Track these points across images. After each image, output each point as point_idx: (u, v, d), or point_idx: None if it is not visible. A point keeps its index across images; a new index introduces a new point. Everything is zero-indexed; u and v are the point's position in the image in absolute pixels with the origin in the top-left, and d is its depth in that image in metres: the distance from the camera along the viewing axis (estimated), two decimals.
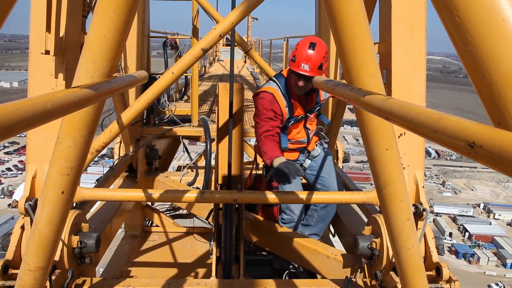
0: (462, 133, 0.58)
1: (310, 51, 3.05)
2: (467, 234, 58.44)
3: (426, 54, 2.83)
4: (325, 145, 3.72)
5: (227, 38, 3.51)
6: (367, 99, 0.96)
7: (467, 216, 63.01)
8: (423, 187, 2.81)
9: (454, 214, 63.42)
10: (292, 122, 3.37)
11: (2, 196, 58.20)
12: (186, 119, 5.02)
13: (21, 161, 65.62)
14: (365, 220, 3.27)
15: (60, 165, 1.64)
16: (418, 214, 2.68)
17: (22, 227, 2.63)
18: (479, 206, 67.68)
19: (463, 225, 60.13)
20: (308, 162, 3.59)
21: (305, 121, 3.46)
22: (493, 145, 0.52)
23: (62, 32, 2.65)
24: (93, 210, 3.44)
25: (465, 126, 0.58)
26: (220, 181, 3.20)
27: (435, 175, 76.80)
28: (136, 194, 2.80)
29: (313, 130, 3.57)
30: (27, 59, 2.79)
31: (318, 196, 2.87)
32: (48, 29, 2.57)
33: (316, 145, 3.67)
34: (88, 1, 3.02)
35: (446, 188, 72.79)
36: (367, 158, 1.65)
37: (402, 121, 0.77)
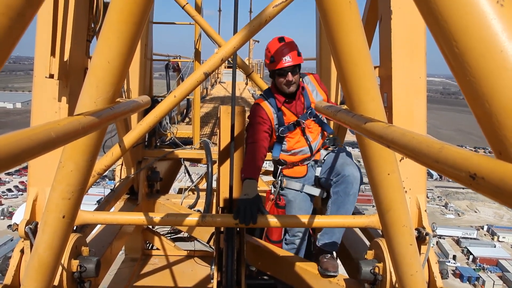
0: (464, 164, 0.58)
1: (283, 45, 3.05)
2: (471, 256, 57.65)
3: (426, 77, 2.85)
4: (335, 148, 3.44)
5: (229, 61, 3.58)
6: (368, 126, 0.96)
7: (470, 238, 62.31)
8: (425, 210, 2.79)
9: (457, 237, 62.72)
10: (285, 130, 3.22)
11: (2, 217, 57.87)
12: (187, 141, 5.04)
13: (22, 182, 65.48)
14: (368, 244, 3.24)
15: (61, 189, 1.64)
16: (421, 239, 2.65)
17: (22, 251, 2.61)
18: (482, 228, 66.99)
19: (467, 248, 59.38)
20: (319, 170, 3.37)
21: (303, 129, 3.26)
22: (494, 177, 0.52)
23: (66, 56, 2.69)
24: (93, 232, 3.42)
25: (467, 157, 0.59)
26: (221, 204, 3.18)
27: (438, 197, 76.32)
28: (137, 217, 2.78)
29: (316, 140, 3.32)
30: (31, 80, 2.83)
31: (320, 220, 2.85)
32: (52, 53, 2.61)
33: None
34: (92, 26, 3.07)
35: (449, 210, 72.21)
36: (369, 183, 1.65)
37: (403, 149, 0.78)
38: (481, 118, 0.69)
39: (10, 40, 0.67)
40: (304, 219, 2.85)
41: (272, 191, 3.41)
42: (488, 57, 0.66)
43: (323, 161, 3.37)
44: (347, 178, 3.12)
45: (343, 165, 3.18)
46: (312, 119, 3.27)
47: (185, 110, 7.63)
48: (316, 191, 3.36)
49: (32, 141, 0.66)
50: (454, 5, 0.67)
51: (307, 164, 3.36)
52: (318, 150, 3.38)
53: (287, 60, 3.01)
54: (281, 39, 3.06)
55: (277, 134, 3.25)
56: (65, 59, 2.68)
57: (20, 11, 0.68)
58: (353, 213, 3.78)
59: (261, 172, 3.66)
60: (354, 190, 3.14)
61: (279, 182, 3.38)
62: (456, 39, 0.69)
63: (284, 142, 3.28)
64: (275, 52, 3.05)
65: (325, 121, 3.32)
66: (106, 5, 3.04)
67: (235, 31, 2.80)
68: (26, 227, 2.55)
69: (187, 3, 4.58)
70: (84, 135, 0.92)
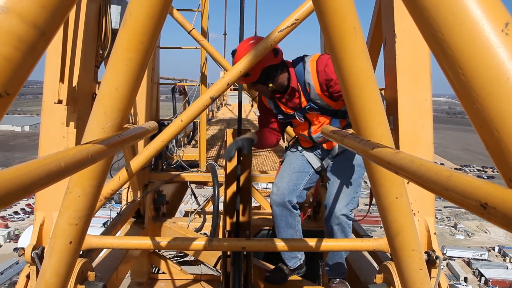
0: (474, 193, 0.58)
1: (232, 59, 2.88)
2: (483, 278, 56.39)
3: (432, 97, 2.86)
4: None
5: (235, 84, 3.62)
6: (375, 152, 0.96)
7: (482, 259, 61.09)
8: (435, 233, 2.75)
9: (468, 258, 61.51)
10: (283, 118, 3.14)
11: (8, 240, 57.74)
12: (194, 164, 5.04)
13: (28, 205, 65.55)
14: (376, 267, 3.19)
15: (69, 215, 1.64)
16: (431, 262, 2.61)
17: (28, 276, 2.59)
18: (493, 249, 65.72)
19: (478, 269, 58.15)
20: (327, 162, 3.21)
21: (308, 121, 3.10)
22: (506, 207, 0.51)
23: (75, 82, 2.73)
24: (99, 256, 3.40)
25: (477, 186, 0.58)
26: (228, 228, 3.16)
27: (446, 217, 75.28)
28: (144, 242, 2.77)
29: (318, 131, 3.08)
30: (39, 104, 2.88)
31: (327, 244, 2.82)
32: (61, 79, 2.65)
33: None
34: (100, 52, 3.13)
35: (458, 230, 71.10)
36: (377, 206, 1.64)
37: (412, 176, 0.77)
38: (490, 146, 0.69)
39: (23, 72, 0.68)
40: (311, 242, 2.82)
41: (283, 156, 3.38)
42: (495, 84, 0.66)
43: (334, 156, 3.17)
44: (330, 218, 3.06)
45: (333, 186, 3.06)
46: (315, 112, 3.02)
47: (191, 133, 7.67)
48: (315, 163, 3.21)
49: (42, 172, 0.66)
50: (460, 34, 0.68)
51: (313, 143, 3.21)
52: (325, 141, 3.15)
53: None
54: (232, 53, 2.86)
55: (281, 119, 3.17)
56: (73, 85, 2.72)
57: (33, 44, 0.69)
58: (361, 236, 3.75)
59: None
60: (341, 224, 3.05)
61: (290, 141, 3.43)
62: (462, 67, 0.69)
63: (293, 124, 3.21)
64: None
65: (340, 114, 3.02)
66: (114, 32, 3.10)
67: None
68: (33, 252, 2.54)
69: (193, 28, 4.66)
70: (93, 163, 0.93)
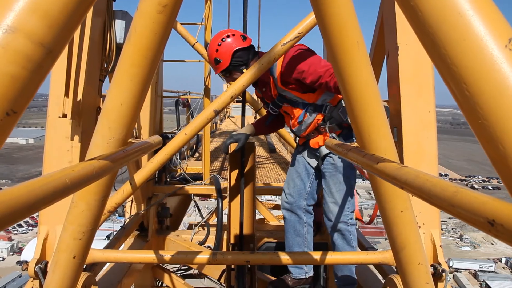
0: (481, 209, 0.57)
1: (208, 51, 3.00)
2: None
3: (435, 108, 2.85)
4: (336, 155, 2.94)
5: (238, 96, 3.64)
6: (380, 167, 0.96)
7: (489, 271, 60.31)
8: (440, 246, 2.73)
9: (474, 270, 60.73)
10: (266, 107, 3.23)
11: (11, 253, 57.58)
12: (197, 177, 5.04)
13: (32, 217, 65.30)
14: (382, 280, 3.16)
15: (73, 230, 1.64)
16: (437, 275, 2.58)
17: None
18: (500, 261, 64.89)
19: (485, 282, 57.34)
20: (314, 163, 3.12)
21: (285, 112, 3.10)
22: None
23: (79, 96, 2.75)
24: (103, 270, 3.39)
25: (483, 202, 0.58)
26: (232, 241, 3.15)
27: (452, 229, 74.60)
28: (147, 255, 2.76)
29: (295, 125, 3.04)
30: (44, 117, 2.90)
31: (332, 257, 2.80)
32: (66, 93, 2.67)
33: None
34: (105, 66, 3.15)
35: (464, 242, 70.36)
36: (382, 220, 1.62)
37: (417, 191, 0.77)
38: (496, 161, 0.68)
39: (29, 91, 0.69)
40: (315, 255, 2.80)
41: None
42: (500, 100, 0.66)
43: (322, 158, 3.04)
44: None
45: (327, 197, 3.01)
46: (288, 105, 3.00)
47: (195, 145, 7.68)
48: (312, 161, 3.15)
49: (48, 190, 0.66)
50: (464, 50, 0.68)
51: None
52: (308, 135, 3.07)
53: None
54: (206, 46, 3.07)
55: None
56: (78, 99, 2.74)
57: (39, 62, 0.70)
58: (366, 249, 3.72)
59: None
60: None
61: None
62: (466, 83, 0.69)
63: None
64: None
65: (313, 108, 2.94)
66: (118, 46, 3.13)
67: None
68: (36, 267, 2.53)
69: (196, 42, 4.70)
70: (98, 179, 0.93)
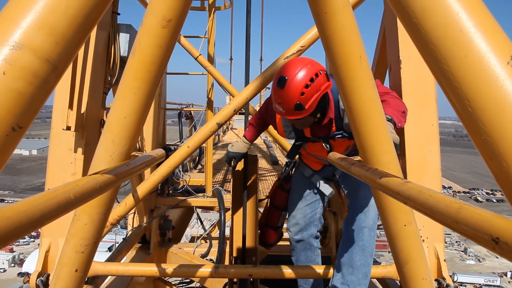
0: (485, 227, 0.57)
1: (279, 89, 2.20)
2: None
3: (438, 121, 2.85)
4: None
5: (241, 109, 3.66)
6: (383, 182, 0.96)
7: (494, 286, 59.56)
8: (444, 260, 2.70)
9: (479, 284, 59.94)
10: (302, 143, 2.80)
11: (12, 265, 57.32)
12: (200, 189, 5.03)
13: None
14: None
15: (75, 243, 1.63)
16: None
17: None
18: (506, 275, 64.08)
19: None
20: (328, 190, 2.88)
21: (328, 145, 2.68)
22: None
23: (83, 109, 2.77)
24: (105, 282, 3.37)
25: (487, 219, 0.58)
26: (234, 254, 3.13)
27: (456, 242, 73.90)
28: (149, 268, 2.75)
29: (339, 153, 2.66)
30: (47, 128, 2.91)
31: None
32: (70, 106, 2.69)
33: None
34: (109, 78, 3.18)
35: (469, 255, 69.62)
36: (385, 234, 1.61)
37: (421, 207, 0.77)
38: (499, 177, 0.68)
39: (35, 106, 0.70)
40: (319, 269, 2.78)
41: (282, 171, 3.02)
42: (502, 116, 0.66)
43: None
44: (355, 208, 2.65)
45: (356, 191, 2.66)
46: (343, 139, 2.61)
47: (197, 157, 7.68)
48: (326, 189, 2.88)
49: (52, 205, 0.67)
50: (466, 67, 0.69)
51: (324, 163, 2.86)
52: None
53: (279, 110, 2.30)
54: (281, 82, 2.19)
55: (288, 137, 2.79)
56: (82, 112, 2.76)
57: (45, 78, 0.71)
58: None
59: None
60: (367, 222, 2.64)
61: (293, 162, 3.00)
62: (469, 99, 0.70)
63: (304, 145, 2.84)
64: (273, 92, 2.29)
65: None
66: (122, 59, 3.16)
67: (246, 83, 2.87)
68: (38, 280, 2.53)
69: (200, 55, 4.73)
70: (101, 194, 0.93)
